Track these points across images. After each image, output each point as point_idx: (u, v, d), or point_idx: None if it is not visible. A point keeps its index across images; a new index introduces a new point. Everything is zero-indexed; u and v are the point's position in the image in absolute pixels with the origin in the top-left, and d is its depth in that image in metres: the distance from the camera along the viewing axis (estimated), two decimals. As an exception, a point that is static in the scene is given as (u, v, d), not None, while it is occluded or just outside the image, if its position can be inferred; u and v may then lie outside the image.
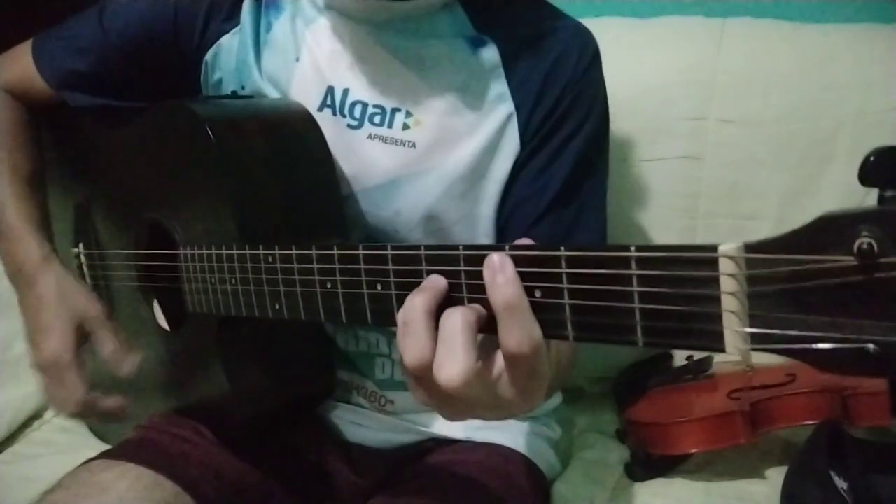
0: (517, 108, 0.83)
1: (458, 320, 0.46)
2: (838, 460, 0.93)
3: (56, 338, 0.84)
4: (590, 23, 1.27)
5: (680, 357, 1.19)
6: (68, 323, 0.84)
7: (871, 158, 0.32)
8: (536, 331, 0.46)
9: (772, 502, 0.95)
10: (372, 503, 0.83)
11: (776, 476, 1.00)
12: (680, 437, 1.00)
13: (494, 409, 0.50)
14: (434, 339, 0.48)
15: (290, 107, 0.85)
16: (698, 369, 1.14)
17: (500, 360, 0.47)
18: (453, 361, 0.46)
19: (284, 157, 0.80)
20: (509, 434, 0.94)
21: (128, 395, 1.01)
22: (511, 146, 0.83)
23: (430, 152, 0.83)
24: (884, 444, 0.96)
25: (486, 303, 0.47)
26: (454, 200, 0.84)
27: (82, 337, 0.85)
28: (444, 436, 0.93)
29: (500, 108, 0.83)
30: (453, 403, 0.49)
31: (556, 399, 1.02)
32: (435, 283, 0.50)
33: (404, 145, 0.83)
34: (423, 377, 0.48)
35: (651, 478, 1.03)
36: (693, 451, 1.00)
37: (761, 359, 1.14)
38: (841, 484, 0.91)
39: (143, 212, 0.88)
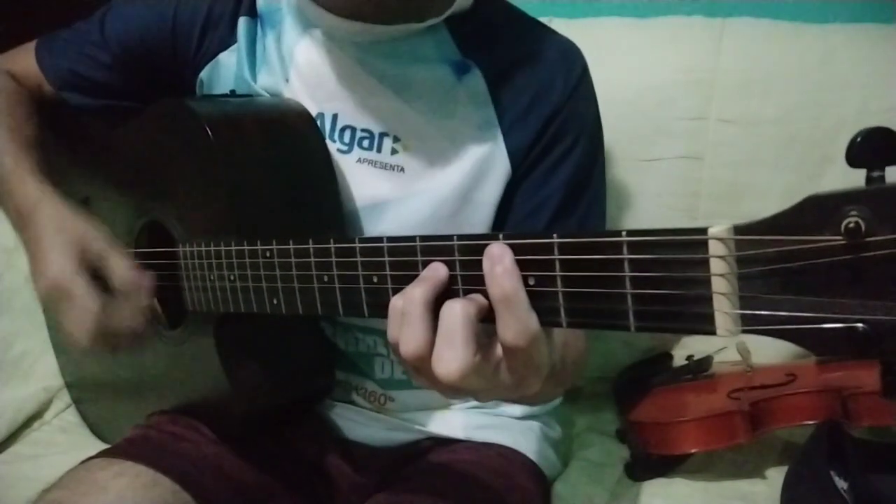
0: (505, 133, 0.83)
1: (458, 313, 0.46)
2: (838, 460, 0.93)
3: (56, 262, 0.76)
4: (590, 23, 1.29)
5: (680, 357, 1.19)
6: (68, 249, 0.77)
7: (858, 139, 0.33)
8: (533, 323, 0.46)
9: (772, 502, 0.95)
10: (372, 501, 0.83)
11: (776, 476, 0.99)
12: (680, 437, 0.99)
13: (490, 393, 0.50)
14: (432, 329, 0.48)
15: (289, 105, 0.85)
16: (698, 369, 1.14)
17: (498, 350, 0.48)
18: (452, 357, 0.46)
19: (282, 155, 0.81)
20: (510, 434, 0.94)
21: (127, 394, 1.02)
22: (501, 170, 0.83)
23: (418, 176, 0.83)
24: (884, 444, 0.96)
25: (484, 293, 0.47)
26: (440, 224, 0.83)
27: (89, 269, 0.77)
28: (445, 435, 0.93)
29: (487, 133, 0.83)
30: (450, 388, 0.50)
31: (557, 399, 1.02)
32: (435, 274, 0.50)
33: (393, 170, 0.84)
34: (420, 367, 0.49)
35: (651, 478, 1.03)
36: (693, 451, 1.00)
37: (761, 358, 1.14)
38: (841, 484, 0.91)
39: (142, 210, 0.88)
